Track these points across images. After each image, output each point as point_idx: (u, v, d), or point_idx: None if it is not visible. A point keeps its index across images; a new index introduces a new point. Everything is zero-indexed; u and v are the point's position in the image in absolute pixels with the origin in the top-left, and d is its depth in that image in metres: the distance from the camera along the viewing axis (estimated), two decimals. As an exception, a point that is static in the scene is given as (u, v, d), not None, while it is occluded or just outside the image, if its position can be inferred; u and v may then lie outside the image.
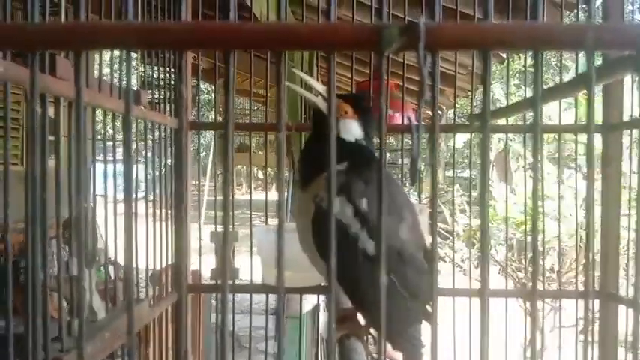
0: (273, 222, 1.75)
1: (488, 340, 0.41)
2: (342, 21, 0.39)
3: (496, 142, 8.08)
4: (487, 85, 0.40)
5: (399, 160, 2.07)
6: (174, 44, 0.40)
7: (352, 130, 1.05)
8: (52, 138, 0.74)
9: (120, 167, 1.07)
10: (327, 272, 0.43)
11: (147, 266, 1.22)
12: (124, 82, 0.47)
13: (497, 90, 9.23)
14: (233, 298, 1.40)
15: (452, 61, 1.86)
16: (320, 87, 1.05)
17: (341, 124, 1.04)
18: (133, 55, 1.27)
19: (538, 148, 0.41)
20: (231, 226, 1.36)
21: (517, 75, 8.50)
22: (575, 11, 1.54)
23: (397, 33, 0.38)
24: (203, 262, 1.42)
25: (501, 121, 1.40)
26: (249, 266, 1.35)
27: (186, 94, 0.34)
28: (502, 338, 1.45)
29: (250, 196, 1.42)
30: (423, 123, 0.48)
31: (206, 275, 1.63)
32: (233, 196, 1.52)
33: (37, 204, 0.42)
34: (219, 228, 1.35)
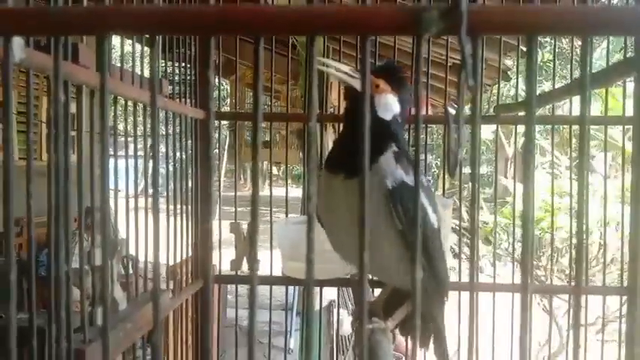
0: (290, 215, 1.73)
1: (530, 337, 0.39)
2: (379, 4, 0.37)
3: (515, 136, 7.96)
4: (533, 74, 0.37)
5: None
6: (201, 29, 0.38)
7: (389, 105, 0.99)
8: (73, 133, 0.73)
9: (131, 162, 1.05)
10: (359, 262, 0.41)
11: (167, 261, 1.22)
12: (137, 70, 0.46)
13: (520, 85, 9.14)
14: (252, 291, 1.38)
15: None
16: (345, 67, 0.99)
17: (376, 101, 0.97)
18: (147, 48, 1.26)
19: (585, 140, 0.38)
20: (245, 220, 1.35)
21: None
22: None
23: (437, 16, 0.36)
24: (220, 256, 1.41)
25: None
26: (269, 260, 1.34)
27: (213, 80, 0.32)
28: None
29: (270, 191, 1.42)
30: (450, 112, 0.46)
31: (224, 269, 1.63)
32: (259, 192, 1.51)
33: (59, 197, 0.41)
34: (239, 220, 1.35)
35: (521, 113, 1.32)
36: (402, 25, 0.36)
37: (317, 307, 1.64)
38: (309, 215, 0.39)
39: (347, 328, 2.93)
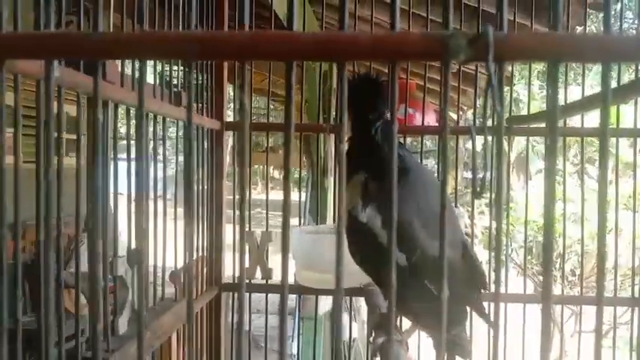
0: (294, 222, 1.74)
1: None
2: (407, 31, 0.38)
3: (516, 142, 7.96)
4: (554, 96, 0.39)
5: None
6: (234, 55, 0.40)
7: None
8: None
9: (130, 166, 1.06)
10: (382, 280, 0.42)
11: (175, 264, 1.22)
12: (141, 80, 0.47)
13: (521, 91, 9.22)
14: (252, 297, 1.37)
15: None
16: None
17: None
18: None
19: (606, 153, 0.40)
20: (265, 227, 1.36)
21: (538, 76, 8.42)
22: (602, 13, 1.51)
23: (464, 44, 0.37)
24: (229, 261, 1.40)
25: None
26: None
27: (245, 102, 0.33)
28: (519, 344, 1.44)
29: (285, 197, 1.42)
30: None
31: (234, 274, 1.63)
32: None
33: (97, 204, 0.43)
34: (253, 228, 1.36)
35: (534, 125, 1.33)
36: (430, 52, 0.37)
37: (320, 312, 1.64)
38: (338, 233, 0.40)
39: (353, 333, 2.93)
